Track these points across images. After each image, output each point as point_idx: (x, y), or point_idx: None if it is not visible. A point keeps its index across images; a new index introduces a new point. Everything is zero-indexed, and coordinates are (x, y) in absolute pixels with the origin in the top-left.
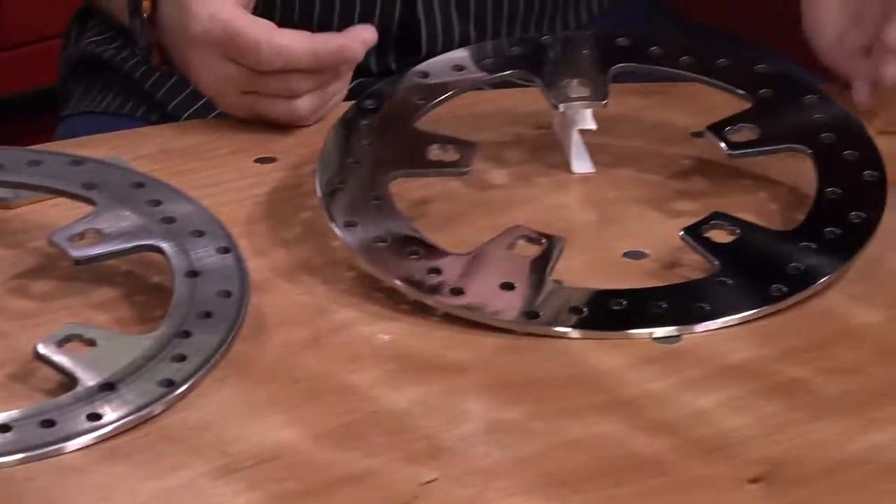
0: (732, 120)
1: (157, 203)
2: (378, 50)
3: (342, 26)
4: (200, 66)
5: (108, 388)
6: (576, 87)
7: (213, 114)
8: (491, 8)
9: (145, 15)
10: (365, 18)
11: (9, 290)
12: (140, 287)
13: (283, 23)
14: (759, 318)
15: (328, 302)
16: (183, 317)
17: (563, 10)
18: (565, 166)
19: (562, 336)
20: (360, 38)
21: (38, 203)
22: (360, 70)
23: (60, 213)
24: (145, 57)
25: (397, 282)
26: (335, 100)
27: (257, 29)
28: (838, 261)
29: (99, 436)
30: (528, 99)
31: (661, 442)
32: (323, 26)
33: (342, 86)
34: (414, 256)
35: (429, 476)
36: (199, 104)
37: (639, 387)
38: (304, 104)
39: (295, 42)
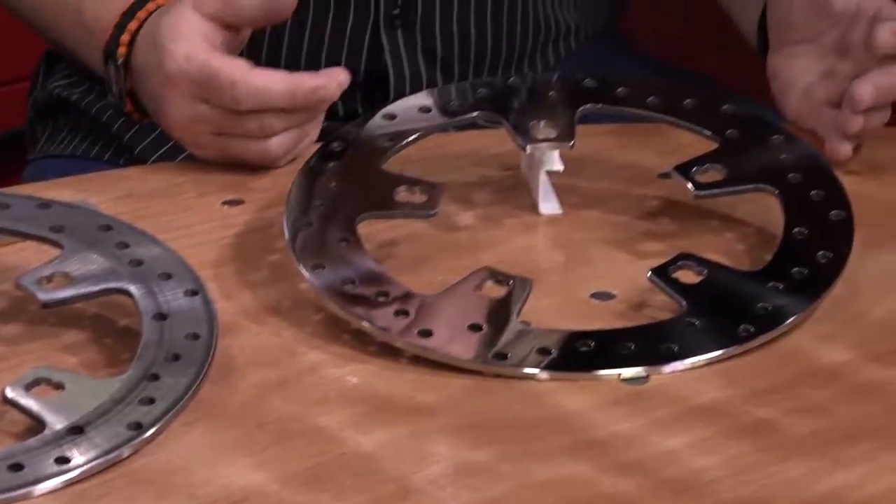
0: (699, 160)
1: (125, 246)
2: (345, 94)
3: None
4: (173, 107)
5: (76, 431)
6: (543, 129)
7: (181, 157)
8: (458, 54)
9: (120, 61)
10: (331, 63)
11: None
12: (108, 330)
13: None
14: (727, 358)
15: (296, 344)
16: (151, 359)
17: (530, 55)
18: (533, 208)
19: (530, 377)
20: (336, 79)
21: (6, 246)
22: (328, 114)
23: (28, 256)
24: (118, 104)
25: (365, 324)
26: (307, 141)
27: (234, 68)
28: (805, 301)
29: (67, 479)
30: (495, 140)
31: (629, 483)
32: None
33: (315, 127)
34: (382, 298)
35: None
36: (167, 147)
37: (607, 428)
38: (276, 144)
39: (272, 82)
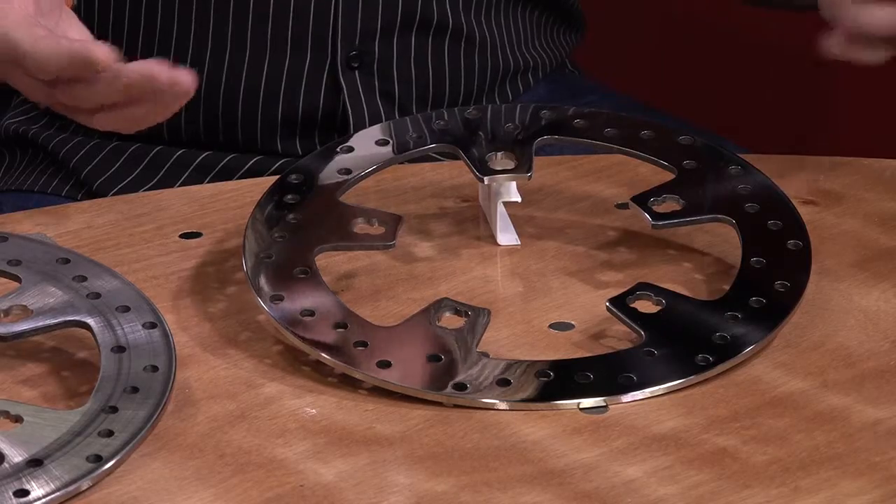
0: (656, 191)
1: (83, 279)
2: (303, 136)
3: (267, 111)
4: (8, 78)
5: (35, 464)
6: (500, 160)
7: (139, 191)
8: (416, 95)
9: None
10: (288, 104)
11: None
12: (67, 363)
13: (209, 107)
14: (686, 387)
15: (255, 376)
16: (110, 392)
17: (488, 93)
18: (491, 239)
19: (489, 407)
20: (149, 67)
21: None
22: (286, 152)
23: None
24: None
25: (324, 355)
26: (141, 120)
27: (28, 37)
28: (764, 330)
29: None
30: (453, 172)
31: None
32: (246, 115)
33: (142, 114)
34: (340, 330)
35: None
36: (125, 182)
37: (567, 457)
38: (98, 121)
39: (54, 50)
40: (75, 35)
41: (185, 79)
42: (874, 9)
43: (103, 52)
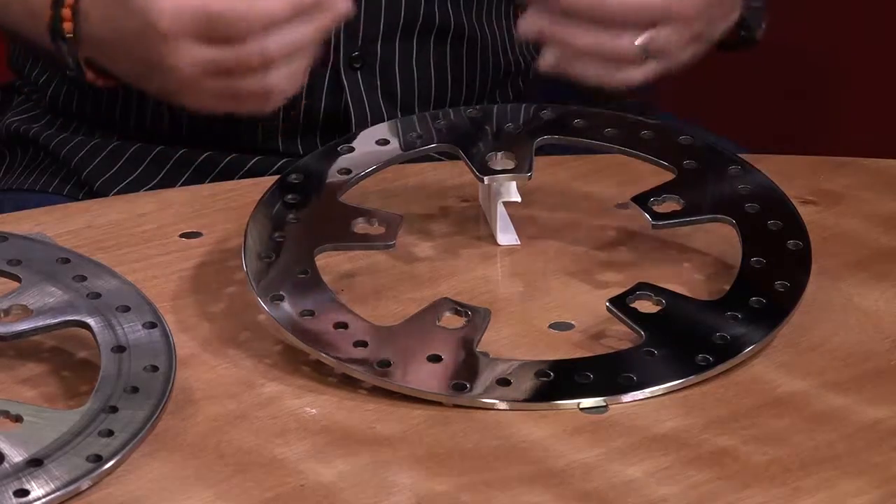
0: (657, 191)
1: (83, 279)
2: (305, 136)
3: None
4: (174, 60)
5: (35, 463)
6: (500, 160)
7: (140, 191)
8: (418, 95)
9: (69, 34)
10: (291, 104)
11: None
12: (67, 362)
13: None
14: (686, 387)
15: (255, 376)
16: (110, 392)
17: (490, 94)
18: (491, 239)
19: (489, 407)
20: None
21: None
22: (287, 152)
23: None
24: (77, 76)
25: (324, 355)
26: (305, 64)
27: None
28: (763, 330)
29: None
30: (453, 172)
31: None
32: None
33: (311, 47)
34: (341, 329)
35: None
36: (126, 182)
37: (567, 457)
38: (276, 77)
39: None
40: None
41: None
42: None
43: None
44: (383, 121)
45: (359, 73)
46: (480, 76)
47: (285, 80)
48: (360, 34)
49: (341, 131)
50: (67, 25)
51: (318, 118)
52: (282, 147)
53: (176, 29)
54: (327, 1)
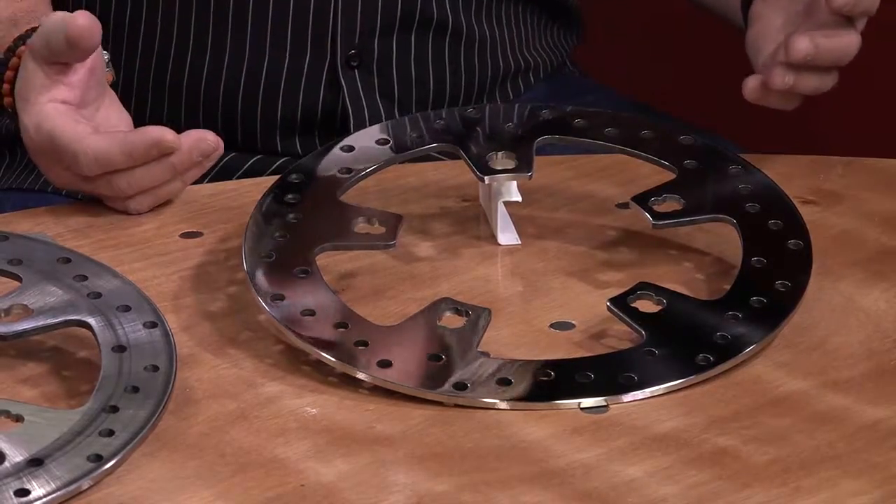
0: (657, 191)
1: (84, 278)
2: (303, 135)
3: (267, 110)
4: (44, 171)
5: (35, 463)
6: (501, 160)
7: None
8: (416, 94)
9: (9, 108)
10: (289, 104)
11: None
12: (67, 362)
13: (208, 106)
14: (687, 387)
15: (256, 375)
16: (111, 391)
17: (488, 93)
18: (491, 238)
19: (490, 407)
20: (196, 135)
21: None
22: (286, 152)
23: None
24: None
25: (325, 355)
26: (171, 193)
27: (74, 137)
28: (764, 330)
29: None
30: (454, 171)
31: None
32: (246, 114)
33: (178, 186)
34: (341, 329)
35: None
36: None
37: (567, 457)
38: (135, 204)
39: (109, 146)
40: (115, 119)
41: (213, 139)
42: (778, 71)
43: (170, 134)
44: (381, 119)
45: (356, 70)
46: (479, 76)
47: (144, 207)
48: (357, 31)
49: (340, 130)
50: (7, 101)
51: (317, 117)
52: (280, 147)
53: (33, 148)
54: (161, 143)
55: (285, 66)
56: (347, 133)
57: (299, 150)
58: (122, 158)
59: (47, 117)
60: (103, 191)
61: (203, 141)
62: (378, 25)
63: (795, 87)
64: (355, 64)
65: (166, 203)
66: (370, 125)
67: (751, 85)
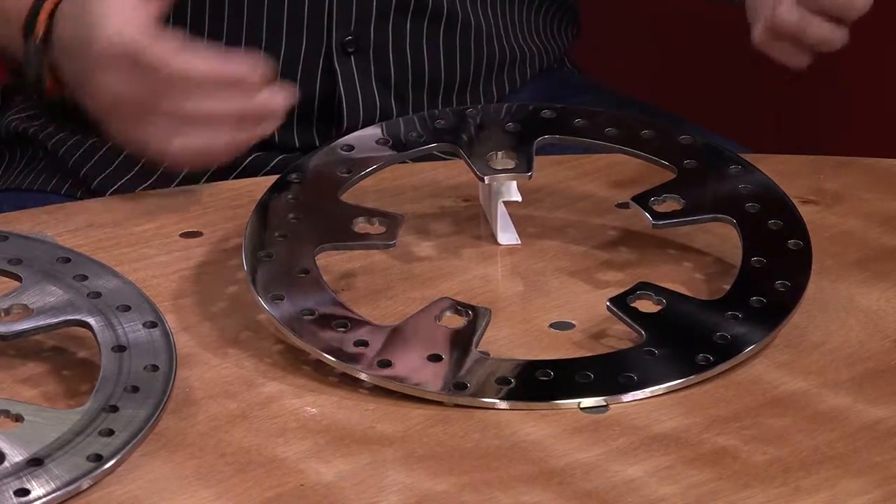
0: (657, 191)
1: (84, 278)
2: (300, 125)
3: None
4: (100, 84)
5: (35, 463)
6: (500, 160)
7: (139, 189)
8: (411, 81)
9: (39, 36)
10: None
11: None
12: (67, 362)
13: None
14: (686, 387)
15: (255, 375)
16: (110, 391)
17: (485, 82)
18: (491, 238)
19: (490, 407)
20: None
21: None
22: (283, 146)
23: None
24: (35, 84)
25: (325, 354)
26: (215, 146)
27: (163, 46)
28: (764, 330)
29: None
30: (454, 171)
31: None
32: None
33: (224, 139)
34: (341, 329)
35: None
36: (124, 180)
37: (567, 457)
38: (179, 141)
39: (198, 61)
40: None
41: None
42: (784, 8)
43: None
44: (375, 106)
45: (352, 57)
46: (475, 63)
47: (182, 148)
48: (353, 17)
49: (336, 119)
50: (40, 27)
51: (313, 106)
52: (278, 139)
53: (107, 54)
54: (250, 82)
55: (281, 53)
56: (342, 120)
57: (297, 143)
58: (206, 68)
59: (132, 24)
60: (165, 107)
61: (273, 108)
62: (374, 11)
63: (802, 33)
64: (351, 50)
65: (166, 203)
66: (364, 111)
67: (759, 27)
